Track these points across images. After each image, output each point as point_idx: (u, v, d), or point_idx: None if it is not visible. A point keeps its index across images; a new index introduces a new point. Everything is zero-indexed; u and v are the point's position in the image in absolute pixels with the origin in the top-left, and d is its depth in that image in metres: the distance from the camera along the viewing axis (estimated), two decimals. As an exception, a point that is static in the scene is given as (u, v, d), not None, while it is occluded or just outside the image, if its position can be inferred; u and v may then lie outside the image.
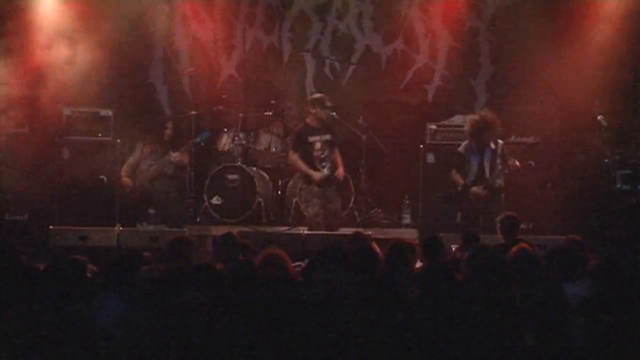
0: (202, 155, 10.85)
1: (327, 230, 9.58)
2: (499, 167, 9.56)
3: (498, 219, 8.14)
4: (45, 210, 10.07)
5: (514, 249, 6.47)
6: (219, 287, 5.40)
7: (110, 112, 10.51)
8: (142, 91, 11.52)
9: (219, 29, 11.55)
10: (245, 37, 11.63)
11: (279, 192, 10.80)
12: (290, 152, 9.97)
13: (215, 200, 10.44)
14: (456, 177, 9.69)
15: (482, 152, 9.63)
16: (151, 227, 9.72)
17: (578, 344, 5.11)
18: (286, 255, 5.70)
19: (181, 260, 6.36)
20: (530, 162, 9.82)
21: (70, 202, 10.08)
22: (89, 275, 5.94)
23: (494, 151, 9.61)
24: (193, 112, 10.75)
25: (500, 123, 9.69)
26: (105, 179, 10.17)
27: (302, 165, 9.74)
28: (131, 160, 10.33)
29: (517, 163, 9.48)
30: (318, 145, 9.71)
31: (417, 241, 8.85)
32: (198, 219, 10.46)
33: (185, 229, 9.68)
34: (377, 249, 7.34)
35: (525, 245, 6.69)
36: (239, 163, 10.59)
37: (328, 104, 9.78)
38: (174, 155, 10.22)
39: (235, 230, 9.61)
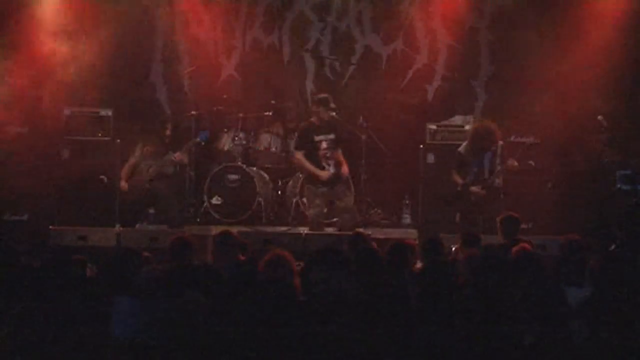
0: (202, 155, 10.85)
1: (346, 229, 9.40)
2: (499, 167, 9.56)
3: (498, 218, 8.14)
4: (45, 210, 10.07)
5: (515, 248, 6.48)
6: (219, 287, 5.40)
7: (110, 112, 10.52)
8: (142, 91, 11.52)
9: (219, 29, 11.55)
10: (245, 37, 11.65)
11: (279, 192, 10.81)
12: (295, 151, 9.87)
13: (215, 200, 10.44)
14: (456, 177, 9.69)
15: (482, 153, 9.63)
16: (151, 227, 9.71)
17: (578, 344, 5.11)
18: (291, 257, 5.68)
19: (182, 260, 6.35)
20: (530, 162, 9.83)
21: (70, 202, 10.08)
22: (88, 275, 5.95)
23: (493, 151, 9.61)
24: (193, 112, 10.75)
25: (500, 128, 9.68)
26: (105, 179, 10.18)
27: (308, 165, 9.64)
28: (131, 161, 10.33)
29: (516, 163, 9.48)
30: (324, 145, 9.63)
31: (417, 241, 8.85)
32: (198, 219, 10.47)
33: (185, 229, 9.68)
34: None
35: (525, 245, 6.69)
36: (239, 163, 10.60)
37: (332, 105, 9.73)
38: (176, 155, 10.22)
39: (234, 229, 9.66)
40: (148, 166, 10.30)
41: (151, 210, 9.90)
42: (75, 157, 10.30)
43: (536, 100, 10.88)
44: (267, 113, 10.96)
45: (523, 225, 8.44)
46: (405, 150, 10.95)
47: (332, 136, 9.66)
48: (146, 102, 11.47)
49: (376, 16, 11.70)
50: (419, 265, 6.77)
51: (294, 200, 10.49)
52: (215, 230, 10.01)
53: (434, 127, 10.67)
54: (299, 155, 9.72)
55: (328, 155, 9.62)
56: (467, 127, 10.41)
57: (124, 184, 10.15)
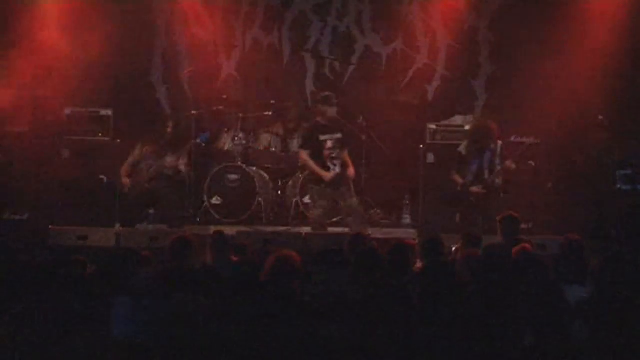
0: (202, 155, 10.85)
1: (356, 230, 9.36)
2: (498, 167, 9.56)
3: (498, 218, 8.13)
4: (45, 210, 10.06)
5: (515, 248, 6.47)
6: (219, 287, 5.39)
7: (110, 112, 10.52)
8: (142, 91, 11.53)
9: (219, 29, 11.56)
10: (245, 37, 11.66)
11: (279, 192, 10.81)
12: (301, 150, 9.71)
13: (215, 200, 10.44)
14: (456, 177, 9.69)
15: (482, 152, 9.63)
16: (151, 227, 9.71)
17: (578, 344, 5.11)
18: (298, 257, 5.66)
19: (182, 260, 6.35)
20: (530, 162, 9.83)
21: (70, 202, 10.08)
22: (88, 275, 5.94)
23: (493, 151, 9.61)
24: (193, 112, 10.75)
25: (500, 126, 9.68)
26: (105, 179, 10.17)
27: (313, 165, 9.47)
28: (131, 159, 10.32)
29: (514, 165, 9.47)
30: (329, 144, 9.46)
31: (417, 241, 8.85)
32: (198, 219, 10.47)
33: (185, 229, 9.68)
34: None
35: (526, 245, 6.69)
36: (239, 163, 10.60)
37: (335, 101, 9.64)
38: (168, 161, 10.21)
39: (234, 230, 9.66)
40: (148, 166, 10.29)
41: (151, 210, 9.90)
42: (75, 157, 10.29)
43: (536, 100, 10.87)
44: (267, 113, 10.97)
45: (523, 225, 8.44)
46: (405, 150, 10.96)
47: (338, 135, 9.50)
48: (146, 102, 11.47)
49: (376, 16, 11.70)
50: (419, 265, 6.77)
51: (294, 200, 10.49)
52: (215, 230, 10.07)
53: (434, 127, 10.66)
54: (304, 155, 9.55)
55: (334, 155, 9.46)
56: (467, 127, 10.41)
57: (125, 180, 10.14)
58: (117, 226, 9.70)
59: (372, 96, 11.49)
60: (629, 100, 10.87)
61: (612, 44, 10.72)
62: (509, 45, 11.39)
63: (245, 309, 5.00)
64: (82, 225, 9.62)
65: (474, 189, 9.55)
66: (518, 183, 10.00)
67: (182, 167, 10.26)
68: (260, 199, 10.44)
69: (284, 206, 10.74)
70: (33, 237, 9.70)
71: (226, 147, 10.86)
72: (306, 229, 9.61)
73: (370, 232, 9.13)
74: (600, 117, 10.36)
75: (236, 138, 10.75)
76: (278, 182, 10.85)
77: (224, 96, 11.17)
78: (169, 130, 10.45)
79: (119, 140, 10.32)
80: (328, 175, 9.37)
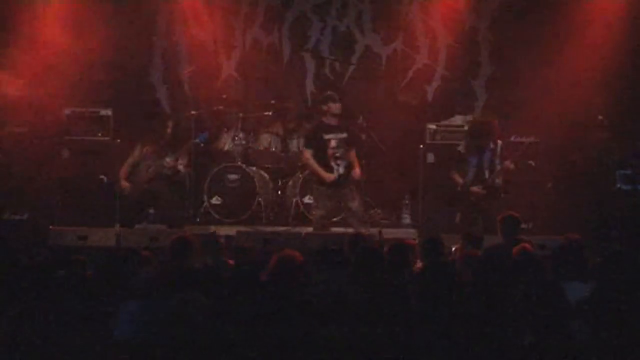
0: (202, 155, 10.85)
1: (358, 228, 9.22)
2: (498, 166, 9.56)
3: (499, 218, 8.12)
4: (45, 210, 10.06)
5: (516, 248, 6.47)
6: (220, 287, 5.39)
7: (109, 112, 10.51)
8: (142, 91, 11.52)
9: (219, 29, 11.55)
10: (245, 37, 11.65)
11: (279, 192, 10.81)
12: (304, 149, 9.64)
13: (215, 200, 10.45)
14: (456, 177, 9.68)
15: (482, 152, 9.62)
16: (151, 227, 9.70)
17: (579, 344, 5.11)
18: (301, 257, 5.65)
19: (182, 260, 6.35)
20: (530, 161, 9.82)
21: (70, 202, 10.08)
22: (88, 275, 5.94)
23: (493, 151, 9.60)
24: (193, 112, 10.75)
25: (499, 125, 9.66)
26: (105, 179, 10.17)
27: (315, 165, 9.42)
28: (130, 160, 10.31)
29: (512, 166, 9.46)
30: (333, 143, 9.40)
31: (417, 241, 8.84)
32: (198, 219, 10.47)
33: (185, 229, 9.67)
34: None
35: (526, 244, 6.69)
36: (239, 163, 10.60)
37: (335, 96, 9.60)
38: (167, 162, 10.21)
39: (234, 230, 9.66)
40: (148, 166, 10.28)
41: (151, 210, 9.89)
42: (75, 157, 10.29)
43: (536, 100, 10.87)
44: (267, 113, 10.97)
45: (523, 225, 8.42)
46: (405, 150, 10.96)
47: (343, 135, 9.45)
48: (146, 102, 11.46)
49: (376, 16, 11.70)
50: (419, 265, 6.76)
51: (294, 200, 10.49)
52: (215, 230, 10.06)
53: (434, 127, 10.66)
54: (307, 154, 9.49)
55: (338, 154, 9.40)
56: (467, 127, 10.40)
57: (124, 183, 10.14)
58: (117, 226, 9.69)
59: (372, 96, 11.49)
60: (629, 100, 10.87)
61: (612, 44, 10.72)
62: (509, 45, 11.39)
63: (247, 308, 5.00)
64: (82, 225, 9.60)
65: (474, 189, 9.54)
66: (518, 183, 9.98)
67: (182, 168, 10.24)
68: (260, 199, 10.44)
69: (283, 206, 10.74)
70: (33, 237, 9.70)
71: (226, 147, 10.86)
72: (306, 229, 9.59)
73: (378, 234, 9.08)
74: (600, 117, 10.36)
75: (236, 138, 10.75)
76: (278, 182, 10.85)
77: (224, 96, 11.17)
78: (169, 130, 10.43)
79: (119, 140, 10.31)
80: (329, 177, 9.34)
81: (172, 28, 11.55)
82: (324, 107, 9.46)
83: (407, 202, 10.61)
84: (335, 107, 9.42)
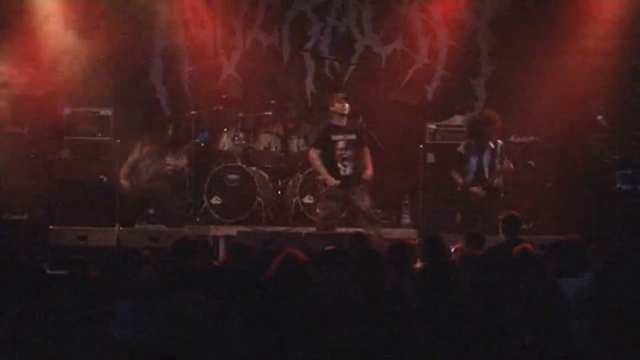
0: (202, 155, 10.85)
1: (367, 229, 9.14)
2: (498, 166, 9.56)
3: (500, 217, 8.12)
4: (45, 210, 10.06)
5: (516, 248, 6.47)
6: (220, 287, 5.39)
7: (110, 112, 10.51)
8: (142, 91, 11.52)
9: (219, 29, 11.55)
10: (245, 37, 11.65)
11: (279, 192, 10.81)
12: (311, 150, 9.64)
13: (215, 200, 10.44)
14: (456, 177, 9.68)
15: (482, 151, 9.63)
16: (151, 227, 9.71)
17: (579, 344, 5.11)
18: (304, 257, 5.64)
19: (185, 260, 6.35)
20: (530, 162, 9.82)
21: (70, 202, 10.07)
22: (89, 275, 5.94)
23: (493, 151, 9.61)
24: (193, 112, 10.74)
25: (500, 121, 9.66)
26: (105, 179, 10.17)
27: (320, 167, 9.41)
28: (130, 160, 10.33)
29: (512, 166, 9.46)
30: (341, 144, 9.39)
31: (417, 241, 8.84)
32: (198, 219, 10.47)
33: (185, 229, 9.68)
34: (377, 245, 7.36)
35: (527, 244, 6.69)
36: (239, 163, 10.60)
37: (342, 96, 9.56)
38: (169, 161, 10.23)
39: (234, 230, 9.66)
40: (147, 166, 10.30)
41: (151, 210, 9.90)
42: (75, 157, 10.30)
43: (536, 100, 10.87)
44: (267, 113, 10.96)
45: (523, 225, 8.42)
46: (405, 150, 10.95)
47: (352, 137, 9.43)
48: (146, 102, 11.46)
49: (376, 16, 11.69)
50: (418, 265, 6.76)
51: (294, 200, 10.49)
52: (215, 230, 10.08)
53: (434, 127, 10.66)
54: (313, 154, 9.50)
55: (345, 156, 9.39)
56: (467, 124, 10.38)
57: (124, 183, 10.15)
58: (117, 226, 9.69)
59: (372, 96, 11.48)
60: (629, 100, 10.87)
61: (611, 44, 10.72)
62: (509, 45, 11.39)
63: (248, 308, 5.00)
64: (82, 225, 9.62)
65: (474, 189, 9.54)
66: (518, 183, 9.99)
67: (182, 167, 10.26)
68: (260, 199, 10.44)
69: (284, 206, 10.74)
70: (33, 237, 9.71)
71: (226, 147, 10.85)
72: (306, 229, 9.59)
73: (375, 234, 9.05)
74: (600, 117, 10.35)
75: (236, 138, 10.75)
76: (278, 182, 10.85)
77: (224, 96, 11.16)
78: (169, 130, 10.45)
79: (119, 140, 10.31)
80: (331, 181, 9.32)
81: (172, 28, 11.54)
82: (332, 108, 9.46)
83: (407, 202, 10.60)
84: (341, 106, 9.42)
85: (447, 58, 11.65)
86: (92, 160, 10.26)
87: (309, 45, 11.72)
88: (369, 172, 9.46)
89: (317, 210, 9.68)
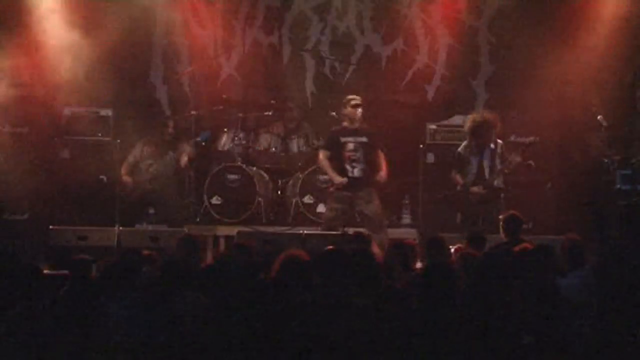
0: (202, 155, 10.84)
1: (372, 231, 9.12)
2: (499, 167, 9.56)
3: (501, 217, 8.12)
4: (45, 210, 10.06)
5: (516, 248, 6.47)
6: (220, 287, 5.39)
7: (110, 112, 10.52)
8: (142, 91, 11.52)
9: (219, 29, 11.55)
10: (245, 37, 11.64)
11: (279, 192, 10.81)
12: (321, 151, 9.69)
13: (215, 200, 10.44)
14: (456, 177, 9.68)
15: (482, 152, 9.63)
16: (151, 227, 9.71)
17: (578, 344, 5.11)
18: (307, 257, 5.64)
19: (189, 259, 6.35)
20: (530, 161, 9.82)
21: (70, 202, 10.07)
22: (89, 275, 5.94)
23: (493, 151, 9.61)
24: (193, 112, 10.75)
25: (500, 122, 9.66)
26: (105, 179, 10.17)
27: (328, 167, 9.47)
28: (131, 158, 10.33)
29: (519, 158, 9.45)
30: (351, 146, 9.42)
31: (417, 241, 8.84)
32: (198, 219, 10.46)
33: (185, 229, 9.68)
34: (377, 249, 7.35)
35: (527, 244, 6.69)
36: (239, 163, 10.59)
37: (354, 102, 9.56)
38: (169, 158, 10.23)
39: (234, 230, 9.65)
40: (148, 166, 10.30)
41: (151, 210, 9.90)
42: (75, 157, 10.30)
43: (536, 100, 10.87)
44: (267, 113, 10.96)
45: (523, 225, 8.43)
46: (405, 150, 10.94)
47: (362, 139, 9.46)
48: (146, 102, 11.46)
49: (376, 16, 11.69)
50: (418, 265, 6.77)
51: (294, 200, 10.49)
52: (215, 230, 10.07)
53: (434, 127, 10.66)
54: (322, 155, 9.58)
55: (354, 157, 9.40)
56: (468, 125, 10.38)
57: (127, 179, 10.14)
58: (117, 226, 9.69)
59: (372, 96, 11.47)
60: (629, 99, 10.87)
61: (611, 44, 10.71)
62: (509, 45, 11.39)
63: (248, 308, 4.99)
64: (82, 225, 9.61)
65: (474, 189, 9.54)
66: (518, 183, 9.99)
67: (183, 164, 10.25)
68: (260, 199, 10.43)
69: (284, 206, 10.74)
70: (33, 237, 9.71)
71: (226, 147, 10.85)
72: (306, 229, 9.59)
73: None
74: (600, 117, 10.35)
75: (236, 138, 10.75)
76: (278, 182, 10.84)
77: (224, 96, 11.16)
78: (171, 130, 10.46)
79: (119, 140, 10.31)
80: (337, 179, 9.35)
81: (172, 28, 11.54)
82: (344, 111, 9.49)
83: (407, 202, 10.60)
84: (352, 112, 9.44)
85: (447, 58, 11.65)
86: (92, 160, 10.26)
87: (309, 45, 11.71)
88: (382, 173, 9.46)
89: (325, 212, 9.67)
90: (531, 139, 10.14)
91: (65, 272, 6.03)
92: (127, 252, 6.10)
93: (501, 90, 11.42)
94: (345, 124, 9.55)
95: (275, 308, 4.95)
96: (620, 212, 10.09)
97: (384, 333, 4.89)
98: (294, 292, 5.19)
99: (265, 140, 10.97)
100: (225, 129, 10.93)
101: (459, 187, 9.64)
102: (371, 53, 11.71)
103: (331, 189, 9.52)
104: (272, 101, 11.06)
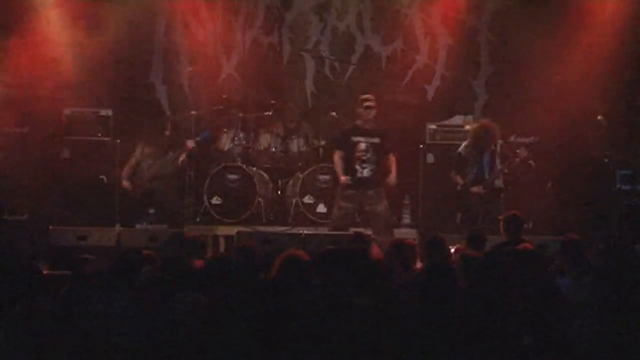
0: (202, 155, 10.84)
1: (378, 232, 9.21)
2: (499, 167, 9.56)
3: (502, 217, 8.12)
4: (45, 210, 10.06)
5: (517, 248, 6.46)
6: (220, 287, 5.39)
7: (110, 112, 10.52)
8: (142, 91, 11.52)
9: (219, 29, 11.55)
10: (245, 37, 11.65)
11: (279, 192, 10.81)
12: (335, 151, 9.67)
13: (215, 200, 10.44)
14: (456, 177, 9.69)
15: (482, 152, 9.63)
16: (151, 227, 9.71)
17: (578, 344, 5.11)
18: (307, 257, 5.64)
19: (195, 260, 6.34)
20: (530, 162, 9.82)
21: (70, 202, 10.07)
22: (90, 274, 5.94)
23: (493, 151, 9.61)
24: (193, 112, 10.75)
25: (499, 128, 9.66)
26: (105, 179, 10.17)
27: (338, 166, 9.51)
28: (132, 161, 10.33)
29: (525, 152, 9.43)
30: (362, 146, 9.42)
31: (416, 241, 8.84)
32: (198, 219, 10.46)
33: (185, 229, 9.68)
34: (377, 249, 7.34)
35: (527, 244, 6.68)
36: (239, 163, 10.59)
37: (367, 103, 9.55)
38: (169, 157, 10.23)
39: (234, 230, 9.65)
40: (148, 166, 10.30)
41: (151, 210, 9.89)
42: (75, 157, 10.30)
43: (536, 100, 10.87)
44: (267, 113, 10.96)
45: (524, 225, 8.43)
46: (405, 150, 10.94)
47: (374, 140, 9.46)
48: (146, 102, 11.46)
49: (376, 16, 11.70)
50: (418, 265, 6.76)
51: (294, 200, 10.49)
52: (215, 230, 10.07)
53: (434, 127, 10.67)
54: (336, 156, 9.59)
55: (364, 158, 9.41)
56: (467, 127, 10.40)
57: (126, 183, 10.16)
58: (117, 226, 9.70)
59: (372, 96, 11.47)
60: (629, 99, 10.87)
61: (611, 44, 10.72)
62: (509, 45, 11.39)
63: (248, 308, 4.99)
64: (82, 225, 9.61)
65: (474, 189, 9.54)
66: (518, 183, 9.99)
67: (181, 160, 10.23)
68: (260, 199, 10.43)
69: (284, 206, 10.74)
70: (33, 237, 9.71)
71: (226, 147, 10.86)
72: (306, 229, 9.60)
73: (370, 232, 9.05)
74: (600, 117, 10.36)
75: (236, 138, 10.75)
76: (278, 182, 10.85)
77: (224, 96, 11.16)
78: (167, 132, 10.46)
79: (119, 140, 10.32)
80: (342, 179, 9.37)
81: (172, 28, 11.55)
82: (357, 110, 9.48)
83: (407, 202, 10.60)
84: (364, 112, 9.43)
85: (447, 58, 11.65)
86: (92, 160, 10.26)
87: (309, 45, 11.72)
88: (392, 177, 9.49)
89: (333, 211, 9.67)
90: (531, 139, 10.14)
91: (66, 272, 6.04)
92: (127, 252, 6.09)
93: (501, 90, 11.42)
94: (357, 122, 9.56)
95: (275, 308, 4.95)
96: (620, 212, 10.10)
97: (383, 333, 4.89)
98: (293, 292, 5.18)
99: (265, 140, 10.98)
100: (225, 129, 10.93)
101: (459, 187, 9.64)
102: (371, 53, 11.72)
103: (338, 191, 9.52)
104: (272, 101, 11.06)
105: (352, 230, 9.02)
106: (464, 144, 9.78)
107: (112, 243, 9.29)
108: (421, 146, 10.52)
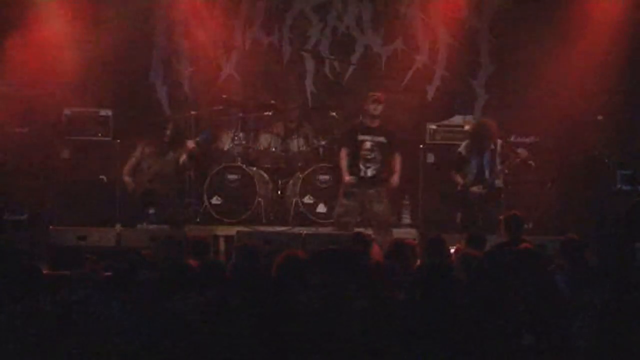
0: (202, 155, 10.83)
1: (377, 232, 9.21)
2: (499, 167, 9.56)
3: (502, 217, 8.12)
4: (45, 210, 10.07)
5: (517, 248, 6.47)
6: (220, 287, 5.39)
7: (110, 112, 10.52)
8: (142, 91, 11.52)
9: (219, 29, 11.55)
10: (245, 37, 11.64)
11: (279, 192, 10.80)
12: (342, 149, 9.65)
13: (215, 200, 10.44)
14: (456, 177, 9.69)
15: (482, 152, 9.63)
16: (151, 227, 9.70)
17: (578, 344, 5.11)
18: (304, 256, 5.64)
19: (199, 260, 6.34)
20: (530, 162, 9.83)
21: (70, 202, 10.08)
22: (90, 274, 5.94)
23: (493, 151, 9.61)
24: (193, 112, 10.74)
25: (499, 128, 9.66)
26: (105, 179, 10.18)
27: (343, 164, 9.51)
28: (133, 160, 10.33)
29: (526, 152, 9.44)
30: (367, 145, 9.40)
31: (416, 241, 8.84)
32: (198, 219, 10.46)
33: (185, 229, 9.67)
34: (377, 249, 7.35)
35: (527, 244, 6.69)
36: (239, 163, 10.59)
37: (373, 97, 9.47)
38: (170, 157, 10.22)
39: (234, 230, 9.65)
40: (148, 166, 10.29)
41: (151, 210, 9.89)
42: (75, 157, 10.30)
43: (536, 100, 10.88)
44: (267, 113, 10.95)
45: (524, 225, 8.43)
46: (405, 150, 10.93)
47: (380, 139, 9.44)
48: (146, 102, 11.46)
49: (376, 16, 11.70)
50: (419, 265, 6.75)
51: (294, 200, 10.49)
52: (215, 230, 10.06)
53: (434, 127, 10.67)
54: (342, 153, 9.58)
55: (369, 157, 9.40)
56: (467, 127, 10.41)
57: (128, 179, 10.14)
58: (117, 226, 9.69)
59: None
60: (629, 99, 10.87)
61: (611, 44, 10.72)
62: (509, 45, 11.39)
63: (248, 308, 4.99)
64: (82, 225, 9.61)
65: (474, 189, 9.54)
66: (518, 183, 9.99)
67: (182, 161, 10.23)
68: (260, 199, 10.43)
69: (284, 206, 10.74)
70: (33, 237, 9.71)
71: (226, 147, 10.86)
72: (306, 229, 9.60)
73: (370, 232, 9.05)
74: (600, 117, 10.36)
75: (236, 138, 10.75)
76: (278, 182, 10.84)
77: (224, 96, 11.15)
78: (168, 132, 10.45)
79: (119, 140, 10.32)
80: (346, 178, 9.37)
81: (172, 28, 11.54)
82: (365, 107, 9.48)
83: (407, 202, 10.60)
84: (374, 109, 9.41)
85: (447, 58, 11.65)
86: (92, 160, 10.26)
87: (309, 45, 11.72)
88: (395, 178, 9.50)
89: (335, 209, 9.66)
90: (531, 139, 10.14)
91: (65, 272, 6.04)
92: (127, 252, 6.09)
93: (501, 90, 11.43)
94: (364, 120, 9.55)
95: (274, 308, 4.95)
96: (620, 212, 10.10)
97: (383, 333, 4.89)
98: (292, 291, 5.18)
99: (265, 140, 10.97)
100: (225, 129, 10.93)
101: (459, 187, 9.64)
102: (371, 53, 11.72)
103: (340, 189, 9.52)
104: (272, 101, 11.05)
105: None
106: (464, 143, 9.78)
107: (112, 243, 9.28)
108: (421, 146, 10.52)
